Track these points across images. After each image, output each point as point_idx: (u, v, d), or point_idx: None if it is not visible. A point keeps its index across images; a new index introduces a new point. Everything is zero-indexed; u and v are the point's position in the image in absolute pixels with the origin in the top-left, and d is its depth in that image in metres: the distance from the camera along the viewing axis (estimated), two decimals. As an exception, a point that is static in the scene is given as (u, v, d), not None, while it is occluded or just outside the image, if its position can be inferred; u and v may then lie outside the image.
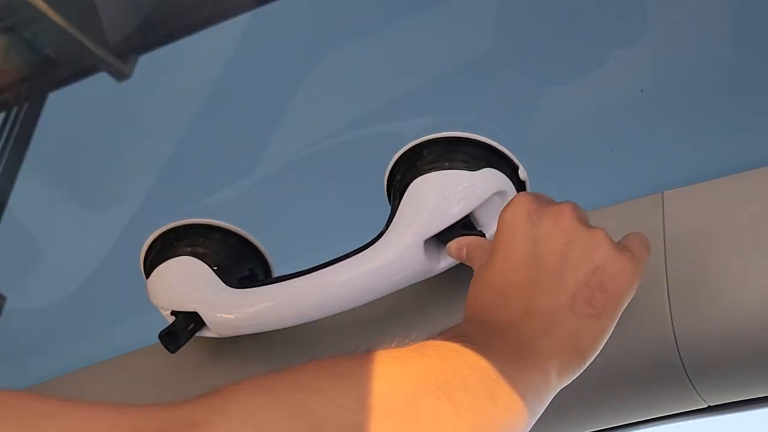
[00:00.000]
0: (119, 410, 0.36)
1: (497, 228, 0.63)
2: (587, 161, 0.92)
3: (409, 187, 0.73)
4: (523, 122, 0.95)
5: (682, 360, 0.73)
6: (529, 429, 0.54)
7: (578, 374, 0.59)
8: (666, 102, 0.89)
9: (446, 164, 0.72)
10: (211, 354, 0.86)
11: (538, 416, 0.55)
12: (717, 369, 0.73)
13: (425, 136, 0.74)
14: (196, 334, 0.79)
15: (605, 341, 0.60)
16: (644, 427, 0.81)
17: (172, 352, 0.78)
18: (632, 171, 0.86)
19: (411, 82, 1.03)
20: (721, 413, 0.78)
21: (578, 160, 0.92)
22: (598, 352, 0.60)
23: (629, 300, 0.61)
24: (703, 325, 0.72)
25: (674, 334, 0.73)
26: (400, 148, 0.75)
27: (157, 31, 1.29)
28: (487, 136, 0.73)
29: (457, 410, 0.47)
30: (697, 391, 0.74)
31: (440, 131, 0.74)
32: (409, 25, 1.05)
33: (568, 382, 0.58)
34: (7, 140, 1.29)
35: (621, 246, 0.62)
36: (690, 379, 0.74)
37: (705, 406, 0.76)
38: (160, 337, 0.78)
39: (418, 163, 0.73)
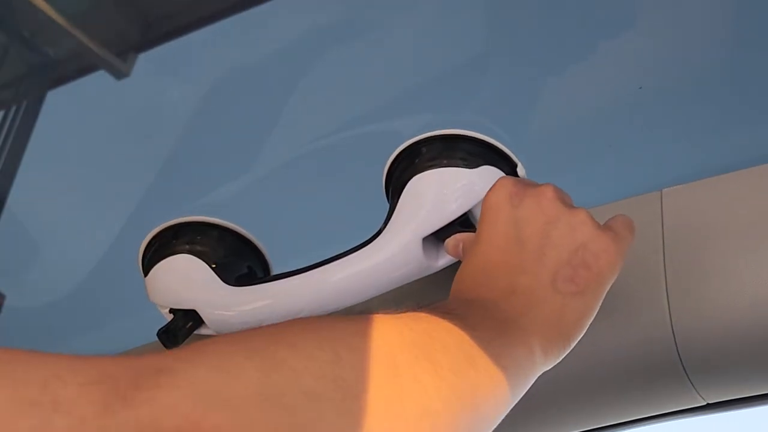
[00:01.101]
0: (88, 357, 0.36)
1: (480, 212, 0.64)
2: (586, 159, 0.92)
3: (408, 185, 0.73)
4: (521, 120, 0.95)
5: (680, 358, 0.73)
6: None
7: (563, 354, 0.58)
8: (665, 100, 0.89)
9: (444, 162, 0.72)
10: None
11: (522, 393, 0.55)
12: (715, 367, 0.73)
13: (423, 133, 0.74)
14: (195, 332, 0.79)
15: (590, 321, 0.60)
16: (643, 425, 0.81)
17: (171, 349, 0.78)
18: (631, 169, 0.86)
19: (409, 80, 1.03)
20: (720, 411, 0.78)
21: (577, 158, 0.92)
22: (582, 332, 0.59)
23: (613, 279, 0.61)
24: (702, 322, 0.72)
25: (673, 331, 0.73)
26: (398, 146, 0.75)
27: (157, 29, 1.29)
28: (485, 134, 0.73)
29: (435, 369, 0.47)
30: (695, 389, 0.74)
31: (438, 129, 0.74)
32: (408, 24, 1.05)
33: (554, 363, 0.58)
34: (6, 138, 1.29)
35: (604, 226, 0.62)
36: (688, 377, 0.74)
37: (703, 403, 0.76)
38: (158, 335, 0.78)
39: (417, 160, 0.73)
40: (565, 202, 0.62)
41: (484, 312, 0.55)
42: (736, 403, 0.77)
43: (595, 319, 0.75)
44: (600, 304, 0.60)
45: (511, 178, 0.64)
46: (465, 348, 0.50)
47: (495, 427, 0.53)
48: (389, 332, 0.47)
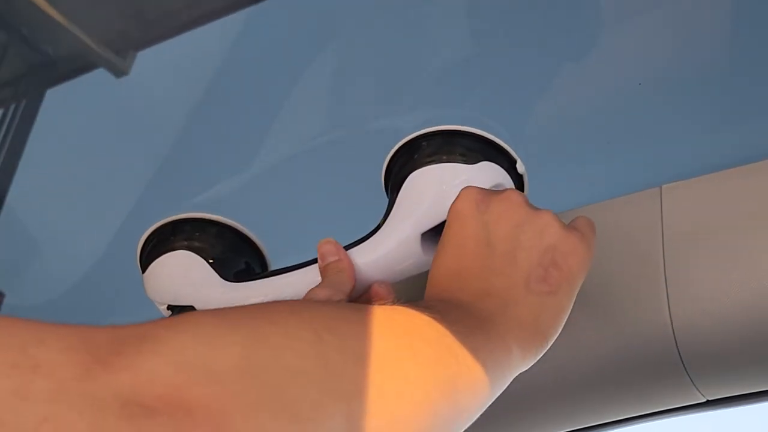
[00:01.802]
0: (72, 325, 0.36)
1: (447, 220, 0.65)
2: (585, 155, 0.92)
3: (407, 180, 0.72)
4: (521, 116, 0.95)
5: (680, 355, 0.73)
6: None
7: (540, 354, 0.59)
8: (664, 96, 0.89)
9: (444, 157, 0.72)
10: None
11: (499, 391, 0.55)
12: (715, 364, 0.73)
13: (423, 129, 0.74)
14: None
15: (564, 320, 0.61)
16: (643, 422, 0.81)
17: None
18: (630, 165, 0.86)
19: (409, 76, 1.03)
20: (719, 408, 0.78)
21: (577, 154, 0.92)
22: (558, 331, 0.60)
23: (583, 278, 0.62)
24: (701, 319, 0.72)
25: (672, 328, 0.73)
26: (397, 142, 0.74)
27: (155, 27, 1.29)
28: (484, 130, 0.73)
29: (416, 358, 0.47)
30: (695, 386, 0.74)
31: (438, 125, 0.74)
32: (407, 20, 1.05)
33: (532, 362, 0.59)
34: (5, 136, 1.29)
35: (569, 226, 0.63)
36: (688, 374, 0.74)
37: (703, 400, 0.76)
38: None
39: (416, 156, 0.73)
40: (530, 205, 0.63)
41: (461, 311, 0.56)
42: (736, 400, 0.77)
43: (594, 316, 0.76)
44: (572, 302, 0.61)
45: (474, 187, 0.65)
46: (445, 340, 0.50)
47: (473, 422, 0.53)
48: (371, 320, 0.47)
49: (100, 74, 1.27)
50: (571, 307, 0.61)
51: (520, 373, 0.76)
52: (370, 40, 1.10)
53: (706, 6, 0.88)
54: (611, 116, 0.91)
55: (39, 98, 1.33)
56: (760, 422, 0.86)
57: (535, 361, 0.59)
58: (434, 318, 0.51)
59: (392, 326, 0.48)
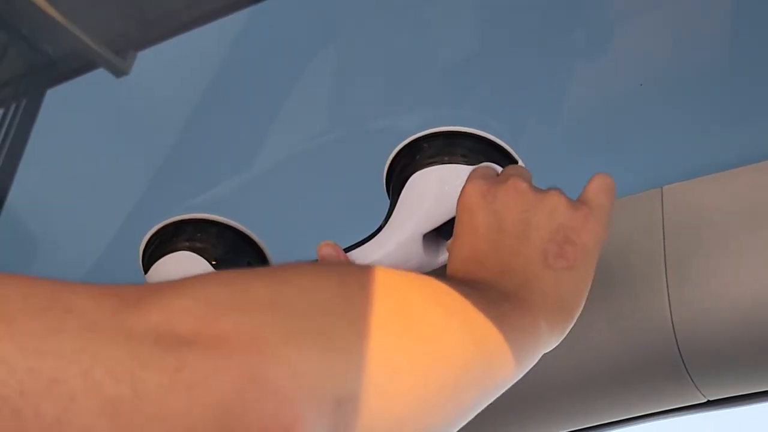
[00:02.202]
0: (100, 284, 0.36)
1: (457, 214, 0.65)
2: (586, 156, 0.92)
3: (408, 181, 0.72)
4: (521, 116, 0.95)
5: (681, 354, 0.73)
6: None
7: (567, 329, 0.59)
8: (665, 96, 0.89)
9: (445, 158, 0.72)
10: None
11: (527, 366, 0.55)
12: (716, 364, 0.73)
13: (424, 130, 0.74)
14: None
15: (586, 292, 0.61)
16: (643, 422, 0.81)
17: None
18: (631, 165, 0.86)
19: (409, 76, 1.03)
20: (720, 408, 0.78)
21: (577, 155, 0.92)
22: (581, 305, 0.60)
23: (599, 250, 0.62)
24: (702, 320, 0.72)
25: (673, 328, 0.73)
26: (399, 143, 0.75)
27: (156, 27, 1.29)
28: (485, 131, 0.73)
29: (446, 310, 0.47)
30: (696, 386, 0.74)
31: (439, 126, 0.74)
32: (407, 21, 1.05)
33: (559, 338, 0.59)
34: (6, 136, 1.29)
35: (579, 201, 0.63)
36: (689, 374, 0.74)
37: (704, 400, 0.76)
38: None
39: (417, 157, 0.73)
40: (536, 189, 0.64)
41: (484, 285, 0.56)
42: (737, 401, 0.77)
43: (595, 315, 0.76)
44: (592, 277, 0.61)
45: (479, 178, 0.65)
46: (473, 300, 0.50)
47: (493, 399, 0.52)
48: (396, 274, 0.47)
49: (100, 74, 1.27)
50: (590, 281, 0.61)
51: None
52: (370, 40, 1.10)
53: (706, 6, 0.88)
54: (612, 116, 0.91)
55: (39, 98, 1.33)
56: (761, 422, 0.87)
57: (562, 338, 0.59)
58: (460, 286, 0.51)
59: (420, 283, 0.48)
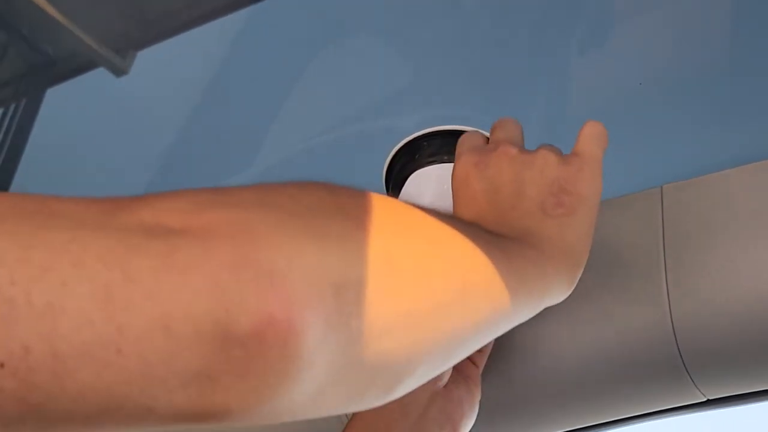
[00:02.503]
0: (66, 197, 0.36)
1: (453, 189, 0.65)
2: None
3: (408, 180, 0.73)
4: (521, 116, 0.95)
5: (680, 354, 0.73)
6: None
7: (576, 275, 0.59)
8: (665, 96, 0.89)
9: (445, 157, 0.72)
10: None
11: (532, 307, 0.54)
12: (715, 363, 0.73)
13: (424, 129, 0.74)
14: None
15: (590, 241, 0.61)
16: (643, 421, 0.81)
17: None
18: (631, 165, 0.86)
19: (409, 76, 1.03)
20: (720, 407, 0.78)
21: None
22: (587, 249, 0.61)
23: (598, 196, 0.63)
24: (702, 319, 0.72)
25: (673, 327, 0.73)
26: (397, 142, 0.75)
27: (155, 27, 1.29)
28: (485, 130, 0.73)
29: (444, 226, 0.45)
30: (695, 385, 0.74)
31: (439, 125, 0.74)
32: (407, 20, 1.05)
33: (566, 288, 0.58)
34: (6, 135, 1.29)
35: (571, 154, 0.64)
36: (689, 373, 0.74)
37: (704, 399, 0.76)
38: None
39: (417, 156, 0.73)
40: (526, 151, 0.64)
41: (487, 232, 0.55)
42: (736, 400, 0.77)
43: (595, 315, 0.76)
44: (594, 222, 0.62)
45: (470, 150, 0.65)
46: (473, 230, 0.48)
47: (492, 337, 0.51)
48: (383, 197, 0.45)
49: (100, 74, 1.27)
50: (592, 228, 0.62)
51: (521, 373, 0.77)
52: (370, 40, 1.10)
53: (706, 6, 0.88)
54: (611, 116, 0.91)
55: (39, 97, 1.33)
56: (761, 421, 0.87)
57: (570, 289, 0.58)
58: (455, 220, 0.49)
59: (415, 209, 0.46)
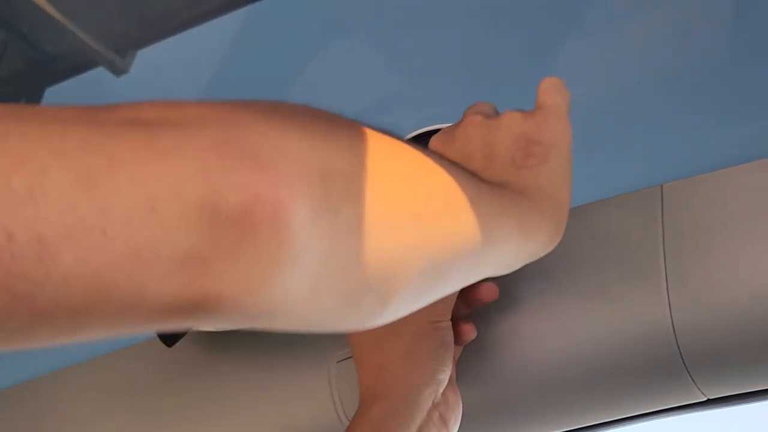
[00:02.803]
0: None
1: None
2: (585, 154, 0.92)
3: (407, 180, 0.72)
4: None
5: (681, 353, 0.73)
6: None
7: (561, 220, 0.59)
8: (664, 94, 0.89)
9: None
10: (207, 347, 0.86)
11: (519, 247, 0.54)
12: (716, 362, 0.73)
13: (423, 128, 0.74)
14: (194, 329, 0.79)
15: (569, 186, 0.61)
16: (644, 420, 0.81)
17: (169, 346, 0.78)
18: (631, 164, 0.86)
19: (409, 75, 1.03)
20: (720, 406, 0.78)
21: (576, 153, 0.92)
22: (568, 199, 0.61)
23: (569, 145, 0.63)
24: (702, 318, 0.72)
25: (673, 327, 0.73)
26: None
27: (156, 26, 1.29)
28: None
29: (425, 156, 0.45)
30: (696, 384, 0.74)
31: (439, 123, 0.74)
32: (407, 20, 1.05)
33: (553, 230, 0.58)
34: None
35: (534, 110, 0.64)
36: (689, 373, 0.74)
37: (704, 399, 0.76)
38: (157, 333, 0.78)
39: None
40: (490, 117, 0.65)
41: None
42: (737, 399, 0.77)
43: (595, 314, 0.76)
44: (571, 168, 0.62)
45: (439, 134, 0.67)
46: (456, 165, 0.47)
47: (478, 273, 0.50)
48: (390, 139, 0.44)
49: (99, 73, 1.27)
50: (569, 174, 0.62)
51: (521, 373, 0.77)
52: (370, 39, 1.10)
53: (705, 5, 0.88)
54: (611, 115, 0.91)
55: (38, 97, 1.33)
56: (761, 421, 0.86)
57: (557, 238, 0.58)
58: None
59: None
